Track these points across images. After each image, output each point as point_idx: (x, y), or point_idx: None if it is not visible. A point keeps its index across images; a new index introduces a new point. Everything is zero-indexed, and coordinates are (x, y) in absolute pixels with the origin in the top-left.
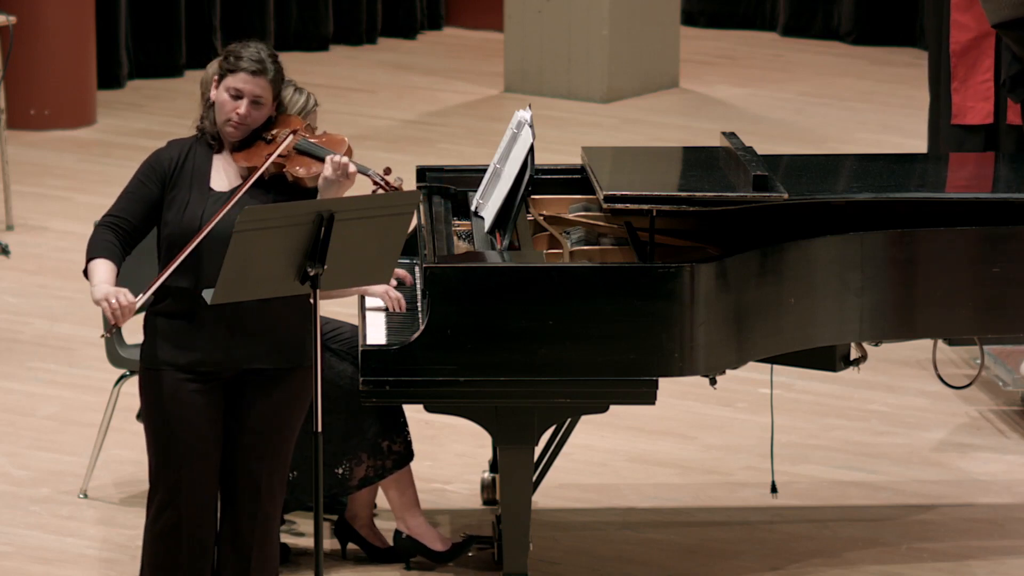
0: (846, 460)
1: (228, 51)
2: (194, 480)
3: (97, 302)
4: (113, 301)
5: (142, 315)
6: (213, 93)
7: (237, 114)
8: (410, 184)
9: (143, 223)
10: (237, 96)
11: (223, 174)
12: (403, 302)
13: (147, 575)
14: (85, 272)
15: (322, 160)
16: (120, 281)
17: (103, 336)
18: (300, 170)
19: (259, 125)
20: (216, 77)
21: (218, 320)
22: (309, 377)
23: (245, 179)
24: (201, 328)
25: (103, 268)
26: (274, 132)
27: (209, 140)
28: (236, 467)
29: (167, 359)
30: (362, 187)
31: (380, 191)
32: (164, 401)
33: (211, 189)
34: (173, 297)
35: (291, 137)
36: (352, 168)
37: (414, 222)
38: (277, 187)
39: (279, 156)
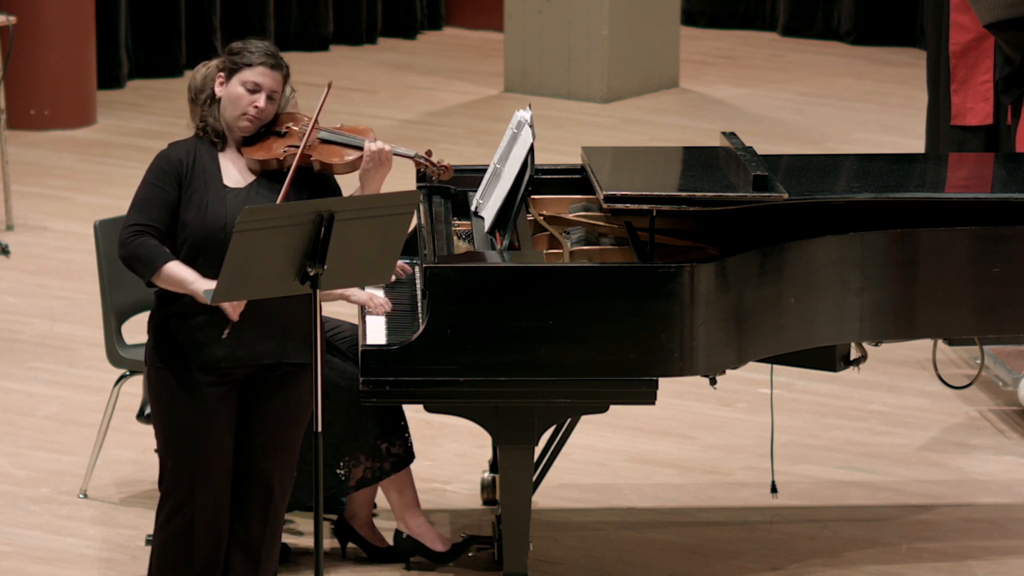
0: (846, 460)
1: (236, 48)
2: (210, 481)
3: (216, 303)
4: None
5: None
6: (220, 90)
7: (256, 107)
8: (410, 184)
9: (170, 228)
10: (255, 90)
11: (233, 171)
12: (388, 304)
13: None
14: (151, 283)
15: (350, 147)
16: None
17: (226, 336)
18: (333, 158)
19: (269, 119)
20: (223, 73)
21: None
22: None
23: (265, 172)
24: (217, 328)
25: (186, 269)
26: (288, 125)
27: (212, 138)
28: (248, 467)
29: (183, 359)
30: (401, 168)
31: (427, 172)
32: (180, 402)
33: (226, 187)
34: (190, 298)
35: (312, 126)
36: (389, 150)
37: (414, 222)
38: (300, 178)
39: (305, 146)
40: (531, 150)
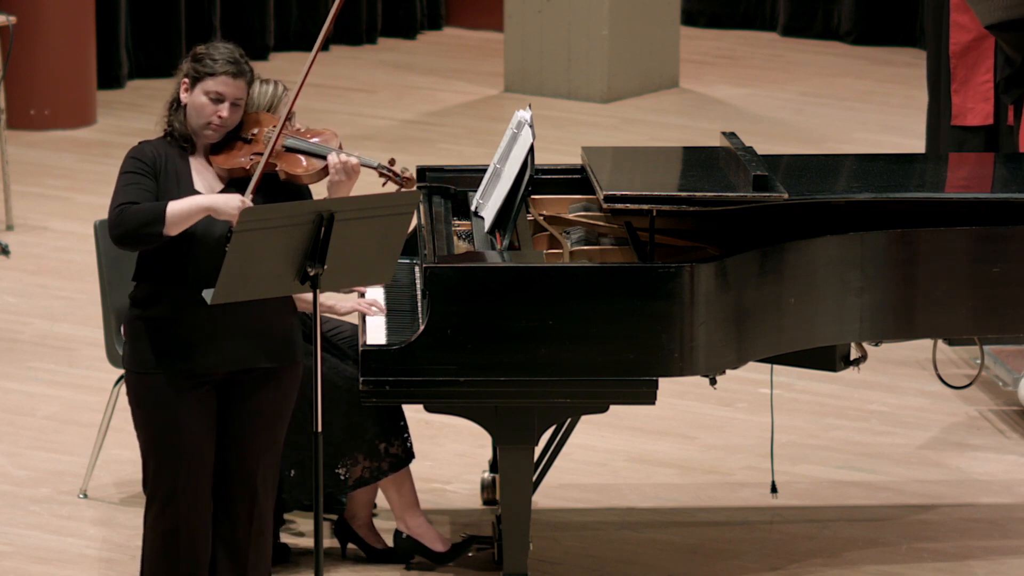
0: (846, 460)
1: (200, 54)
2: (191, 482)
3: (232, 215)
4: (246, 202)
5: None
6: (184, 96)
7: (220, 117)
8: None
9: None
10: (218, 99)
11: (203, 177)
12: (380, 304)
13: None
14: (159, 234)
15: (315, 156)
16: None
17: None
18: (297, 169)
19: (235, 125)
20: (186, 80)
21: (207, 322)
22: (298, 373)
23: (233, 180)
24: (191, 331)
25: (187, 199)
26: (254, 132)
27: (181, 143)
28: (230, 466)
29: (158, 363)
30: (368, 179)
31: (390, 182)
32: (158, 405)
33: (196, 192)
34: (162, 301)
35: (277, 136)
36: (355, 162)
37: (414, 222)
38: (267, 185)
39: (269, 156)
40: (531, 150)
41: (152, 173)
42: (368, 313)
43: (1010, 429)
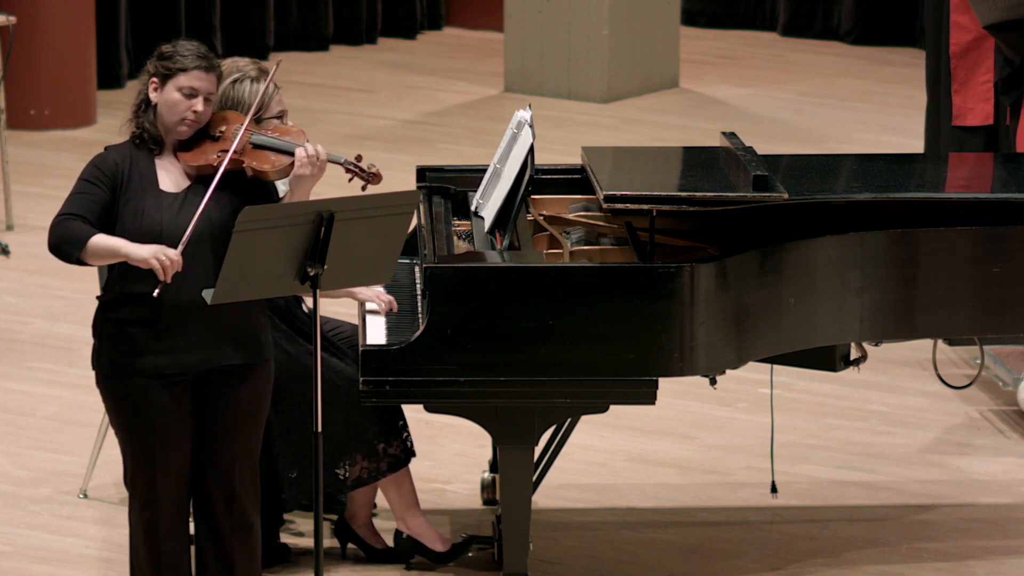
0: (846, 460)
1: (168, 52)
2: (168, 481)
3: (146, 260)
4: (163, 257)
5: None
6: (154, 95)
7: (194, 112)
8: (410, 184)
9: (99, 223)
10: (191, 94)
11: (169, 175)
12: (394, 304)
13: (135, 574)
14: (79, 259)
15: (283, 152)
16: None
17: (157, 295)
18: (264, 165)
19: (206, 121)
20: (156, 79)
21: (179, 323)
22: (271, 370)
23: (200, 177)
24: (163, 332)
25: (114, 237)
26: (222, 129)
27: (150, 145)
28: (207, 465)
29: (131, 366)
30: (333, 175)
31: (356, 178)
32: (133, 407)
33: (162, 192)
34: (133, 303)
35: (244, 132)
36: (323, 156)
37: (414, 222)
38: (234, 183)
39: (234, 152)
40: (531, 150)
41: (109, 184)
42: (384, 310)
43: (1010, 429)
